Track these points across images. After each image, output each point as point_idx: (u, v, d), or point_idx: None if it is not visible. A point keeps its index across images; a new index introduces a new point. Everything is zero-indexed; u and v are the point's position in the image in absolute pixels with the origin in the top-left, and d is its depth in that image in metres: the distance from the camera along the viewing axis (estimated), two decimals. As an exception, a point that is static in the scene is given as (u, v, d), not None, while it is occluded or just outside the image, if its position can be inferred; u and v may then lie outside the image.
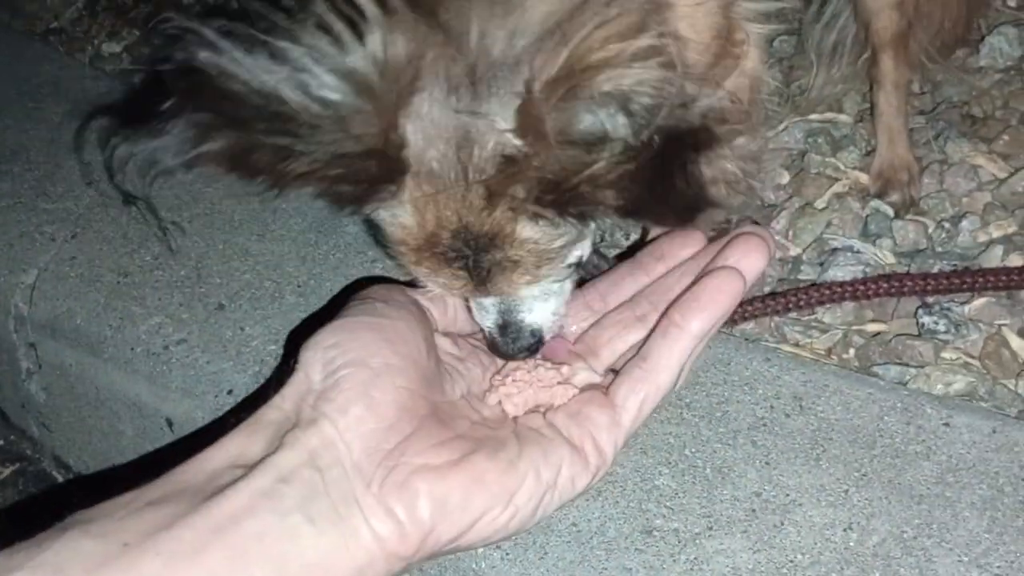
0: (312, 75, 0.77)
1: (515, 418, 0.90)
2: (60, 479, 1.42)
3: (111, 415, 1.27)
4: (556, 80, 0.75)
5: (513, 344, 0.97)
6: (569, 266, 0.94)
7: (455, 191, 0.82)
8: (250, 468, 0.73)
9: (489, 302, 0.96)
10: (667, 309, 0.92)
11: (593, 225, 0.94)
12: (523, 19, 0.78)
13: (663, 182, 0.77)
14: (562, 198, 0.80)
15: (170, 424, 1.19)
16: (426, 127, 0.80)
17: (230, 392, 1.15)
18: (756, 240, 0.91)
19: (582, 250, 0.95)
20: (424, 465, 0.76)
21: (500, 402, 0.91)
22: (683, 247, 0.98)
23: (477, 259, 0.87)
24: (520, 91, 0.77)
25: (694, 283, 0.92)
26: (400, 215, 0.87)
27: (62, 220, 1.42)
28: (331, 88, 0.77)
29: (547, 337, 0.98)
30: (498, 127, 0.79)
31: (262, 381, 1.14)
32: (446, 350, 0.93)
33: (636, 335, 0.96)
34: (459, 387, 0.90)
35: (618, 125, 0.75)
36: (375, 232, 0.95)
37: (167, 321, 1.24)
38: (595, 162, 0.76)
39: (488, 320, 0.98)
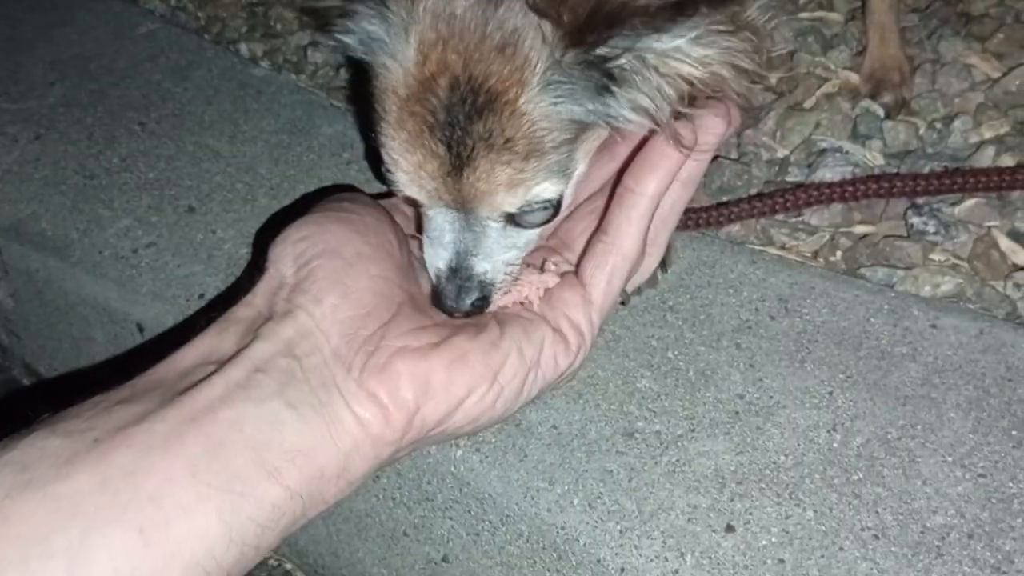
0: None
1: None
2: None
3: (80, 321, 1.24)
4: None
5: (458, 297, 0.85)
6: (544, 207, 0.85)
7: (470, 39, 0.77)
8: (223, 363, 0.70)
9: (449, 230, 0.85)
10: (619, 177, 0.86)
11: (579, 168, 0.86)
12: None
13: None
14: (589, 30, 0.75)
15: (140, 329, 1.16)
16: None
17: (201, 296, 1.11)
18: (717, 105, 0.84)
19: (559, 191, 0.85)
20: (404, 347, 0.73)
21: None
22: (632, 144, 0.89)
23: (465, 126, 0.79)
24: None
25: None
26: (401, 50, 0.80)
27: (24, 120, 1.37)
28: None
29: (495, 296, 0.87)
30: None
31: (235, 284, 1.11)
32: (415, 252, 0.88)
33: None
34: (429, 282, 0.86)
35: None
36: (366, 86, 0.86)
37: (136, 224, 1.21)
38: None
39: (439, 259, 0.86)
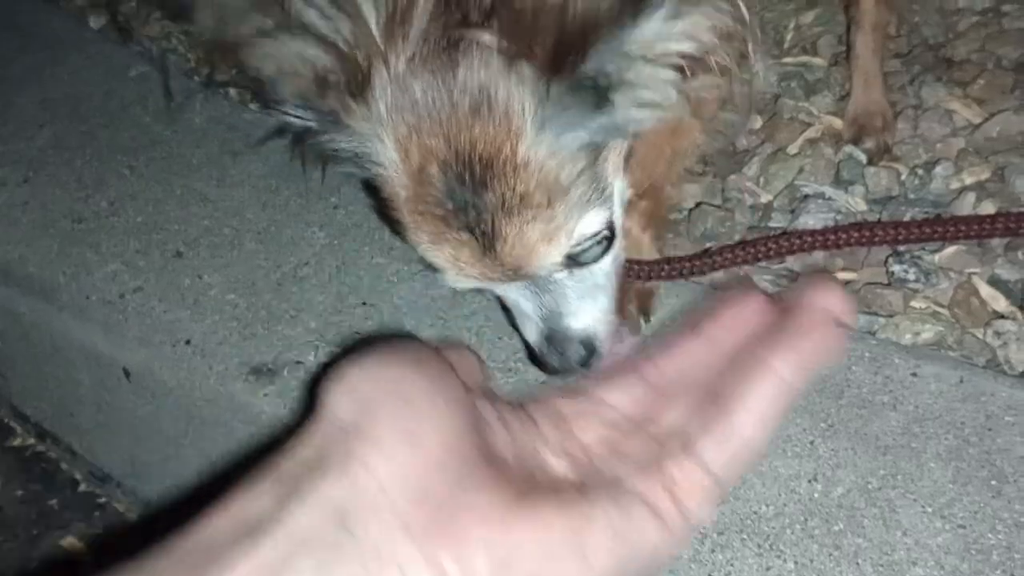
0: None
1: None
2: (17, 429, 1.39)
3: (67, 364, 1.24)
4: None
5: (563, 357, 0.84)
6: (597, 238, 0.83)
7: (440, 116, 0.75)
8: (256, 533, 0.56)
9: (525, 301, 0.84)
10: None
11: (615, 185, 0.84)
12: None
13: None
14: (571, 60, 0.73)
15: (127, 374, 1.16)
16: (409, 52, 0.76)
17: (188, 342, 1.12)
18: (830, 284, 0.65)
19: (604, 218, 0.83)
20: (479, 509, 0.59)
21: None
22: (746, 310, 0.67)
23: (476, 202, 0.77)
24: None
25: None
26: (383, 153, 0.79)
27: (13, 163, 1.38)
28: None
29: (601, 347, 0.85)
30: (478, 31, 0.74)
31: (220, 331, 1.12)
32: (485, 406, 0.69)
33: None
34: (503, 441, 0.67)
35: None
36: (379, 207, 0.87)
37: (123, 268, 1.21)
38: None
39: (531, 333, 0.86)
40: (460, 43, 0.75)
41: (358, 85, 0.77)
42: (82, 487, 1.31)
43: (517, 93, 0.75)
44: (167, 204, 1.29)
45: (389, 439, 0.58)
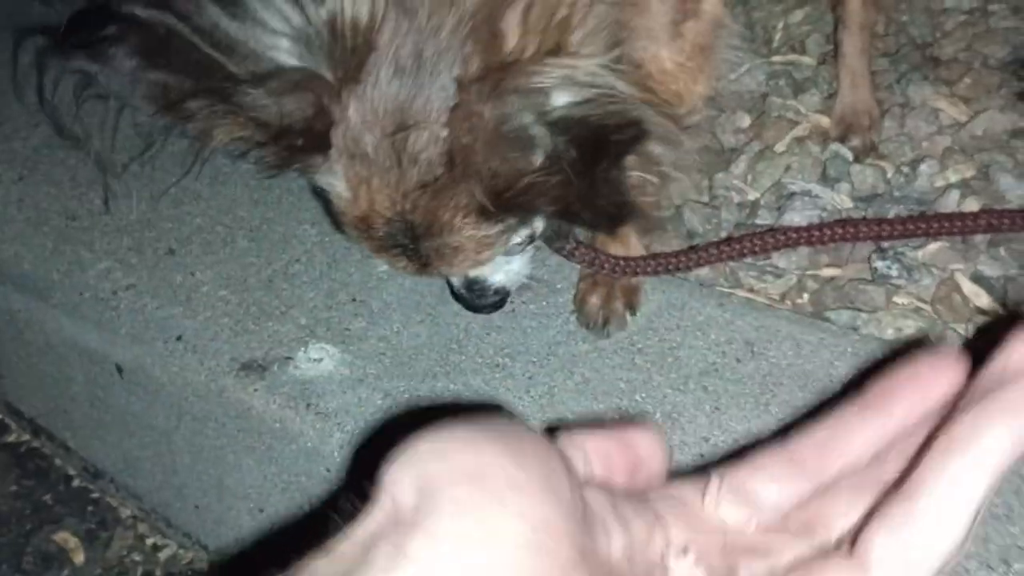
0: (267, 31, 0.75)
1: None
2: (12, 425, 1.40)
3: (61, 361, 1.25)
4: (482, 75, 0.73)
5: (479, 300, 0.99)
6: (518, 244, 0.92)
7: (388, 178, 0.80)
8: None
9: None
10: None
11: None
12: (466, 4, 0.76)
13: (589, 188, 0.76)
14: (501, 205, 0.79)
15: (120, 370, 1.17)
16: (366, 108, 0.79)
17: (179, 338, 1.13)
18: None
19: (531, 229, 0.92)
20: None
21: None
22: (932, 377, 0.48)
23: (415, 246, 0.85)
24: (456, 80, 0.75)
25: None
26: (337, 186, 0.85)
27: (8, 161, 1.39)
28: (283, 49, 0.76)
29: (510, 296, 1.02)
30: (434, 117, 0.77)
31: (211, 327, 1.13)
32: (599, 500, 0.50)
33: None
34: (616, 542, 0.49)
35: (538, 131, 0.74)
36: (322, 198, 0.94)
37: (116, 266, 1.22)
38: (532, 168, 0.75)
39: (455, 280, 0.99)
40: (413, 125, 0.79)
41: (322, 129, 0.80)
42: (75, 483, 1.33)
43: (459, 194, 0.81)
44: (159, 202, 1.30)
45: (453, 536, 0.42)
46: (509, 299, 1.05)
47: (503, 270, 0.97)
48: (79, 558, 1.24)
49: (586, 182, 0.74)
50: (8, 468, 1.35)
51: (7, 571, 1.23)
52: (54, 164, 1.37)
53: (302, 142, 0.80)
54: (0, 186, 1.36)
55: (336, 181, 0.84)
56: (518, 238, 0.90)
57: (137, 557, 1.24)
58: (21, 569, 1.23)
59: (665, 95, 0.94)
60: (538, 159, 0.75)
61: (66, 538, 1.25)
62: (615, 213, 0.81)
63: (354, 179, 0.82)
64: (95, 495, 1.31)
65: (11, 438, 1.38)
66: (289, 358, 1.08)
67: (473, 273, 0.95)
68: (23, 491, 1.32)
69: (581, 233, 1.07)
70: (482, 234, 0.84)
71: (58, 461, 1.35)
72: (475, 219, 0.82)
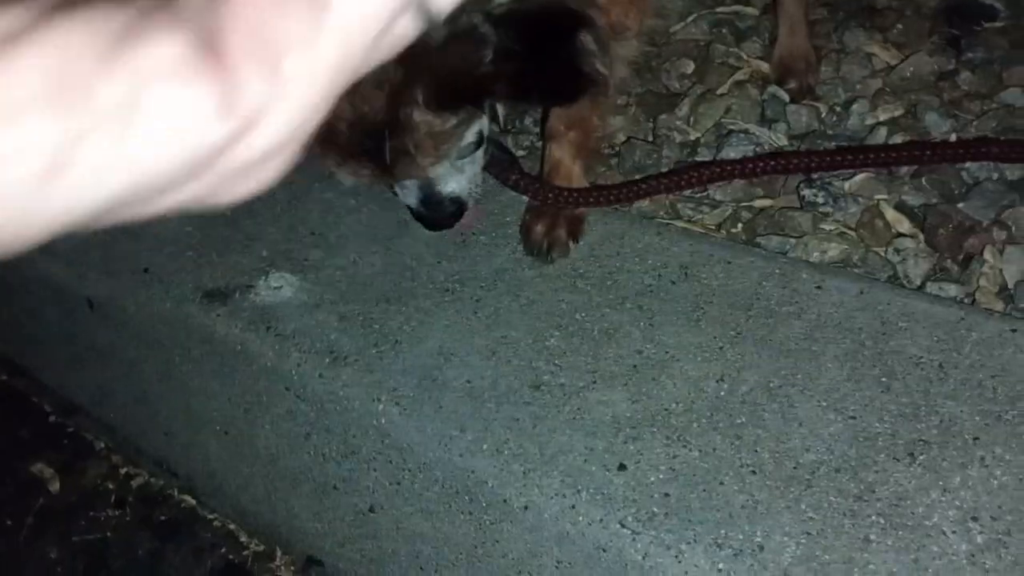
0: None
1: None
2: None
3: (34, 298, 1.31)
4: None
5: (437, 212, 1.05)
6: (471, 144, 1.00)
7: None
8: None
9: (407, 183, 1.01)
10: None
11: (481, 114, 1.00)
12: None
13: (537, 72, 0.83)
14: (457, 95, 0.86)
15: (91, 304, 1.23)
16: None
17: (146, 270, 1.19)
18: None
19: (481, 126, 1.00)
20: None
21: None
22: None
23: (378, 148, 0.92)
24: None
25: None
26: None
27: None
28: None
29: (469, 204, 1.06)
30: None
31: (177, 259, 1.18)
32: None
33: None
34: None
35: (486, 29, 0.81)
36: None
37: (86, 206, 1.28)
38: (482, 62, 0.82)
39: (411, 198, 1.04)
40: None
41: None
42: (51, 418, 1.38)
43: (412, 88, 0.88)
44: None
45: None
46: (462, 230, 1.11)
47: (456, 179, 1.02)
48: (55, 486, 1.30)
49: (533, 67, 0.81)
50: (-15, 406, 1.41)
51: (-14, 500, 1.29)
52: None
53: None
54: (-26, 134, 1.41)
55: None
56: (470, 136, 0.97)
57: (111, 485, 1.30)
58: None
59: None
60: (488, 54, 0.81)
61: (42, 468, 1.31)
62: (565, 89, 0.88)
63: None
64: (70, 429, 1.37)
65: (-13, 377, 1.44)
66: (250, 286, 1.14)
67: (433, 174, 0.99)
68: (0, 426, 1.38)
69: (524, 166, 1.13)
70: (438, 129, 0.91)
71: (33, 398, 1.41)
72: (432, 114, 0.89)
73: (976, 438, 0.90)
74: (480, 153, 1.05)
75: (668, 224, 1.18)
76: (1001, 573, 0.80)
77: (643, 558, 0.86)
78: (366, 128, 0.90)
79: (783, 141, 1.27)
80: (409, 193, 1.04)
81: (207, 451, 1.22)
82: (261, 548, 1.18)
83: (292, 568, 1.16)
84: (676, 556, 0.85)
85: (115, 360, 1.26)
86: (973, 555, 0.82)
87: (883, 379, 0.97)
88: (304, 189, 1.26)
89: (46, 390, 1.40)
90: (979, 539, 0.83)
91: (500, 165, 1.13)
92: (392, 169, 0.95)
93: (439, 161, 0.98)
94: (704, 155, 1.27)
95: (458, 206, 1.06)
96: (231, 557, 1.18)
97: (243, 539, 1.20)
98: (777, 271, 1.08)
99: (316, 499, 1.12)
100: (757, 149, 1.24)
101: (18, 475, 1.31)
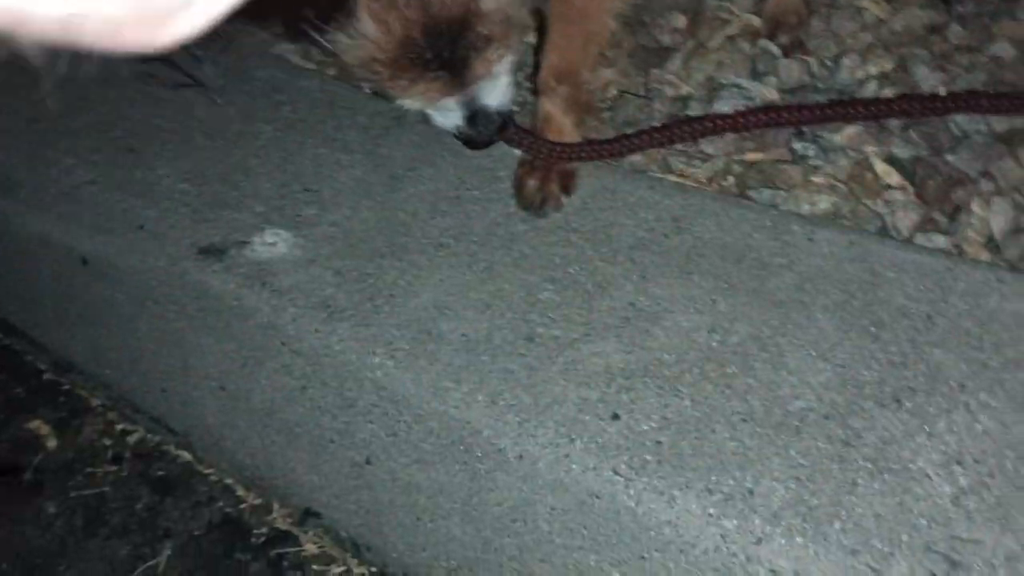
0: None
1: None
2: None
3: (28, 258, 1.31)
4: None
5: (486, 130, 1.08)
6: (512, 60, 1.07)
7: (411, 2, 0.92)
8: None
9: (450, 102, 1.05)
10: None
11: None
12: None
13: None
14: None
15: (84, 262, 1.23)
16: None
17: (141, 227, 1.19)
18: None
19: (519, 49, 1.10)
20: None
21: None
22: None
23: (454, 49, 0.97)
24: None
25: None
26: (366, 31, 0.95)
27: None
28: None
29: (511, 117, 1.11)
30: None
31: (171, 216, 1.19)
32: None
33: None
34: None
35: None
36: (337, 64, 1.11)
37: (78, 163, 1.28)
38: None
39: (455, 118, 1.07)
40: None
41: None
42: (46, 376, 1.39)
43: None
44: (120, 105, 1.35)
45: None
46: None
47: (496, 91, 1.06)
48: (51, 443, 1.31)
49: None
50: (-19, 365, 1.41)
51: (-16, 457, 1.30)
52: (13, 73, 1.41)
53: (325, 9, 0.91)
54: (-37, 92, 1.40)
55: (364, 26, 0.94)
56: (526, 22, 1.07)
57: (107, 442, 1.31)
58: (-2, 453, 1.30)
59: None
60: None
61: (39, 426, 1.32)
62: None
63: (377, 9, 0.93)
64: (65, 387, 1.37)
65: (-18, 336, 1.45)
66: (245, 242, 1.14)
67: (492, 78, 1.04)
68: (-4, 384, 1.38)
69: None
70: (508, 12, 1.00)
71: (29, 357, 1.42)
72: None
73: (962, 385, 0.92)
74: (513, 70, 1.09)
75: (660, 178, 1.19)
76: (983, 514, 0.82)
77: (636, 504, 0.88)
78: (440, 29, 0.95)
79: (774, 95, 1.28)
80: (451, 114, 1.07)
81: (203, 407, 1.23)
82: (259, 501, 1.20)
83: (289, 520, 1.17)
84: (668, 502, 0.87)
85: (109, 317, 1.27)
86: (957, 497, 0.84)
87: (872, 329, 0.98)
88: (296, 146, 1.26)
89: (41, 348, 1.41)
90: (963, 482, 0.85)
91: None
92: (464, 73, 1.00)
93: (507, 53, 1.03)
94: (695, 109, 1.27)
95: (504, 119, 1.09)
96: (228, 511, 1.20)
97: (240, 493, 1.21)
98: (768, 223, 1.09)
99: (313, 452, 1.13)
100: (749, 104, 1.24)
101: (14, 432, 1.32)
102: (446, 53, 0.98)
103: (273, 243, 1.14)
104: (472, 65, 1.00)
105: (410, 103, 1.04)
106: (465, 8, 0.96)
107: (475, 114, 1.06)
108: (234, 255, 1.14)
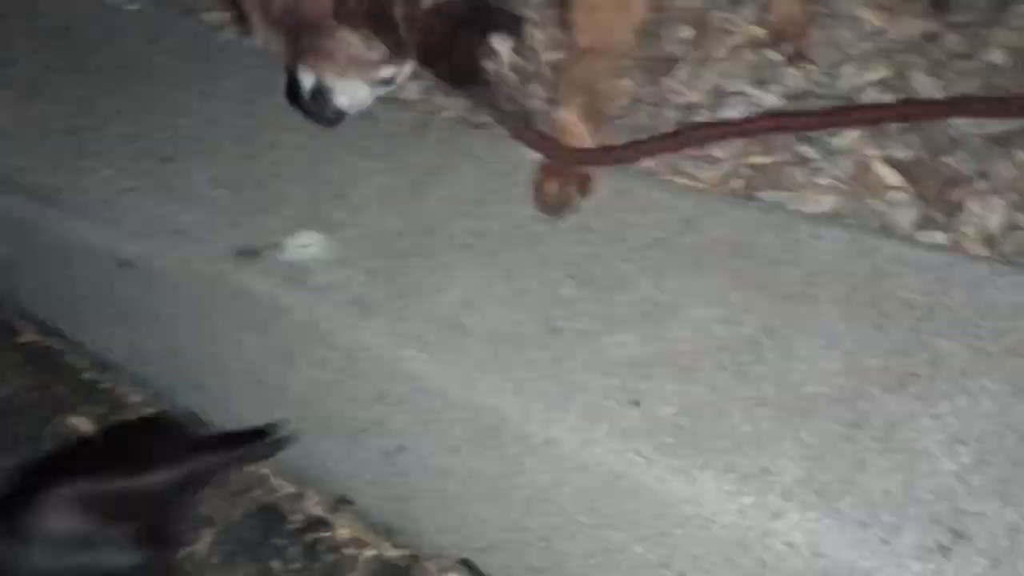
0: None
1: None
2: (26, 327, 1.52)
3: (69, 262, 1.37)
4: None
5: (317, 111, 1.24)
6: (382, 81, 1.21)
7: None
8: None
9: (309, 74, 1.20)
10: None
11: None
12: None
13: (446, 42, 1.01)
14: (378, 24, 1.05)
15: (124, 265, 1.29)
16: None
17: (180, 231, 1.25)
18: None
19: (396, 73, 1.21)
20: None
21: None
22: None
23: (297, 32, 1.09)
24: None
25: None
26: None
27: (11, 85, 1.50)
28: None
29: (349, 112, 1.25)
30: None
31: (208, 221, 1.25)
32: None
33: None
34: None
35: None
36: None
37: (117, 172, 1.34)
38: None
39: (305, 82, 1.22)
40: None
41: None
42: (86, 375, 1.45)
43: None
44: (154, 117, 1.42)
45: None
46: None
47: (351, 96, 1.20)
48: (93, 438, 1.37)
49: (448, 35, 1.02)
50: (23, 366, 1.47)
51: (27, 453, 1.35)
52: (54, 86, 1.49)
53: None
54: (5, 107, 1.47)
55: None
56: (384, 73, 1.17)
57: (146, 437, 1.37)
58: (40, 449, 1.35)
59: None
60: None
61: (80, 421, 1.38)
62: (461, 72, 1.08)
63: None
64: (105, 386, 1.43)
65: (25, 338, 1.51)
66: (278, 244, 1.21)
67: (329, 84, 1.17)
68: (38, 384, 1.44)
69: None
70: (355, 50, 1.12)
71: (69, 358, 1.48)
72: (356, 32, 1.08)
73: (963, 370, 0.98)
74: (382, 91, 1.24)
75: (671, 181, 1.25)
76: (985, 489, 0.88)
77: (658, 483, 0.94)
78: (296, 15, 1.11)
79: (777, 102, 1.34)
80: (306, 83, 1.22)
81: (240, 401, 1.29)
82: (294, 490, 1.26)
83: (323, 507, 1.23)
84: (688, 481, 0.93)
85: (148, 318, 1.33)
86: (960, 474, 0.89)
87: (876, 319, 1.04)
88: (325, 154, 1.32)
89: (80, 349, 1.47)
90: (965, 459, 0.90)
91: (518, 124, 1.21)
92: (303, 57, 1.18)
93: (342, 76, 1.17)
94: (702, 116, 1.34)
95: (338, 118, 1.24)
96: (265, 499, 1.26)
97: (275, 482, 1.27)
98: (775, 223, 1.16)
99: (346, 442, 1.20)
100: (754, 111, 1.30)
101: (58, 428, 1.38)
102: (291, 33, 1.14)
103: (306, 245, 1.20)
104: (307, 58, 1.14)
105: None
106: (322, 19, 1.09)
107: (318, 92, 1.19)
108: (270, 256, 1.20)
